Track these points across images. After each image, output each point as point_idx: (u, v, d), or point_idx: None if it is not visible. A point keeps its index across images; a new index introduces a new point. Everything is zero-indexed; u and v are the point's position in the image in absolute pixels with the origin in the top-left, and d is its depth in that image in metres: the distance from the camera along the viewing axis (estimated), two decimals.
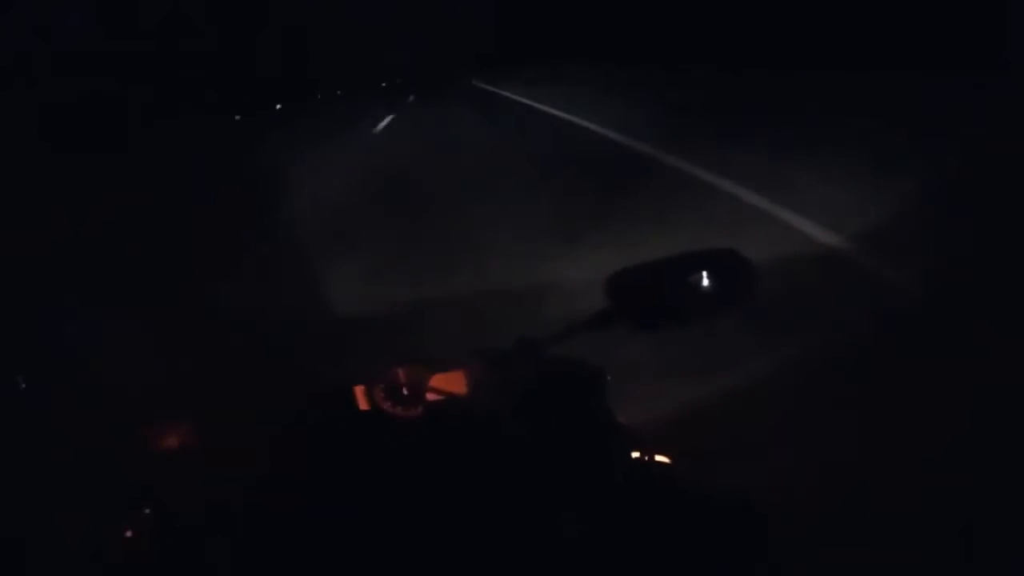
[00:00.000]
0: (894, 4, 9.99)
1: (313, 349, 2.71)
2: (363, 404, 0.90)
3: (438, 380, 0.89)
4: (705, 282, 0.92)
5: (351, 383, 0.92)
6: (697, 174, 5.71)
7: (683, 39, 16.70)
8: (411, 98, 24.94)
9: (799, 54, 11.45)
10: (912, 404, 2.01)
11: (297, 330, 3.05)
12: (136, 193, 9.87)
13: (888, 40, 9.82)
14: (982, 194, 3.93)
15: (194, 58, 22.87)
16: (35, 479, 0.80)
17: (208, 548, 0.77)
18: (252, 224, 6.16)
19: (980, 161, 4.54)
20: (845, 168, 5.04)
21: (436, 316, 3.12)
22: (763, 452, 1.80)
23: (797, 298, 2.83)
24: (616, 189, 5.58)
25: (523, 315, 2.93)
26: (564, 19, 28.12)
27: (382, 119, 16.52)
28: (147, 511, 0.79)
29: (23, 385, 0.91)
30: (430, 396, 0.89)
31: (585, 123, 10.30)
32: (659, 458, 0.84)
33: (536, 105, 14.92)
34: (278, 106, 22.63)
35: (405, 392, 0.89)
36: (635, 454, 0.84)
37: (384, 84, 42.31)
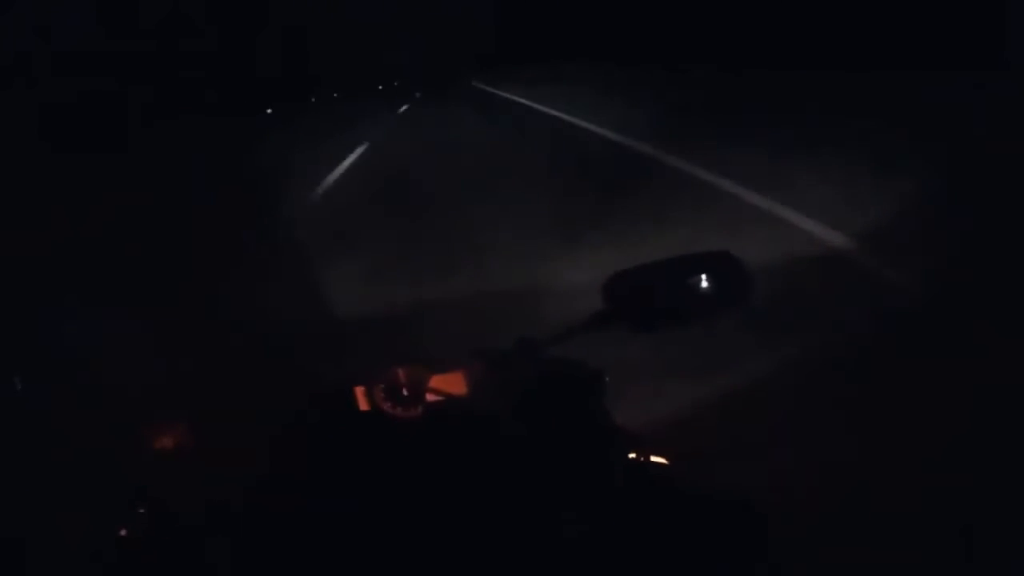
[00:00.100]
0: (894, 4, 10.00)
1: (313, 349, 2.71)
2: (363, 404, 0.90)
3: (438, 381, 0.89)
4: (702, 285, 0.93)
5: (351, 383, 0.92)
6: (697, 174, 5.71)
7: (683, 39, 16.71)
8: (409, 103, 24.92)
9: (799, 54, 11.45)
10: (912, 404, 2.01)
11: (297, 330, 3.05)
12: (136, 193, 9.87)
13: (888, 40, 9.82)
14: (982, 194, 3.93)
15: (194, 58, 22.87)
16: (35, 479, 0.80)
17: (208, 548, 0.77)
18: (252, 224, 6.15)
19: (980, 161, 4.54)
20: (845, 168, 5.04)
21: (436, 316, 3.12)
22: (763, 452, 1.80)
23: (797, 298, 2.83)
24: (616, 189, 5.58)
25: (522, 316, 2.92)
26: (564, 19, 28.13)
27: (382, 123, 16.50)
28: (146, 511, 0.79)
29: (19, 386, 0.91)
30: (430, 397, 0.89)
31: (585, 124, 10.30)
32: (658, 458, 0.84)
33: (536, 106, 14.92)
34: (268, 111, 22.53)
35: (405, 393, 0.89)
36: (634, 454, 0.85)
37: (380, 87, 41.94)
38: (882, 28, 10.22)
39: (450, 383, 0.89)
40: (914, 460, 1.75)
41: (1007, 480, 1.65)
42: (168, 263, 4.99)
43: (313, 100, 30.70)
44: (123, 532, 0.77)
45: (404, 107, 14.12)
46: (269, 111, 23.10)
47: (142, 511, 0.79)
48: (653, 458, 0.84)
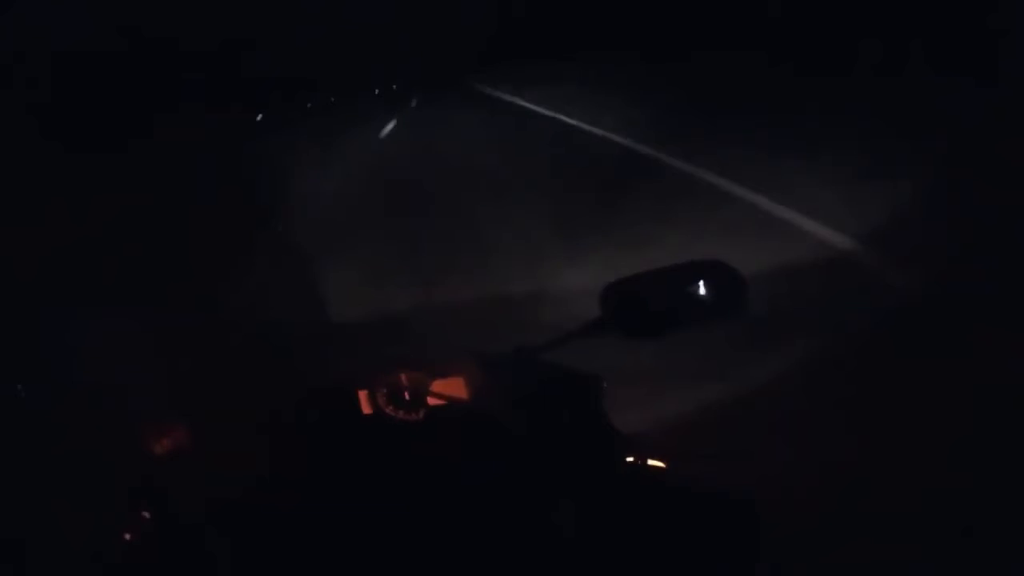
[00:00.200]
0: (895, 5, 10.00)
1: (312, 350, 2.70)
2: (366, 407, 0.90)
3: (439, 385, 0.90)
4: (700, 292, 0.95)
5: (352, 385, 0.92)
6: (699, 176, 5.71)
7: (684, 39, 16.69)
8: (411, 103, 24.88)
9: (800, 55, 11.44)
10: (912, 404, 2.01)
11: (297, 331, 3.05)
12: (136, 193, 9.86)
13: (889, 40, 9.82)
14: (982, 194, 3.93)
15: (194, 58, 22.86)
16: (35, 479, 0.80)
17: (208, 548, 0.77)
18: (253, 225, 6.15)
19: (980, 161, 4.54)
20: (845, 168, 5.04)
21: (436, 320, 3.12)
22: (763, 453, 1.80)
23: (797, 298, 2.83)
24: (618, 192, 5.58)
25: (523, 320, 2.92)
26: (565, 19, 28.12)
27: (382, 125, 16.47)
28: (147, 511, 0.79)
29: (20, 386, 0.91)
30: (431, 400, 0.89)
31: (586, 126, 10.30)
32: (658, 460, 0.85)
33: (536, 108, 14.91)
34: (259, 116, 22.29)
35: (407, 396, 0.89)
36: (634, 457, 0.85)
37: (377, 91, 41.56)
38: (883, 28, 10.21)
39: (451, 387, 0.90)
40: (914, 460, 1.75)
41: (1007, 480, 1.65)
42: (168, 263, 4.99)
43: (309, 105, 30.53)
44: (123, 532, 0.77)
45: (390, 126, 13.79)
46: (260, 117, 22.76)
47: (142, 511, 0.79)
48: (651, 462, 0.84)
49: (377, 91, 41.54)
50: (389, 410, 0.89)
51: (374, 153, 11.53)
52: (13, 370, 0.94)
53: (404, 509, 0.77)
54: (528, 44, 33.08)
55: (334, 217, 6.34)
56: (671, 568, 0.71)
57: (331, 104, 31.72)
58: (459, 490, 0.79)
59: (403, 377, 0.90)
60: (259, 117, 21.78)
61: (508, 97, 20.27)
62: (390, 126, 15.90)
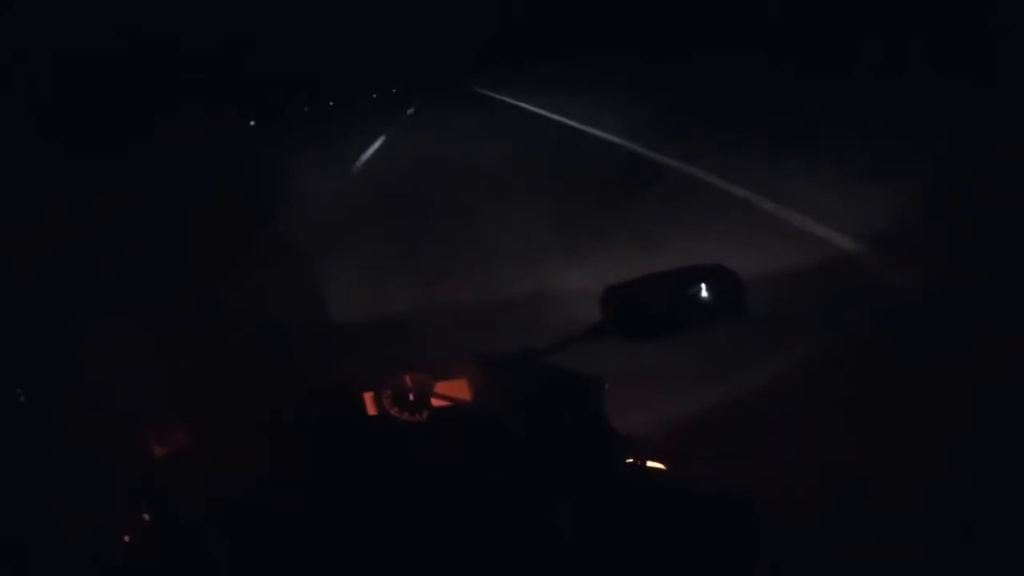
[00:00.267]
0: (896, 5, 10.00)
1: (313, 351, 2.71)
2: (368, 408, 0.91)
3: (442, 387, 0.90)
4: (702, 294, 0.96)
5: (352, 385, 0.92)
6: (699, 176, 5.71)
7: (684, 39, 16.70)
8: (412, 106, 24.81)
9: (800, 54, 11.44)
10: (912, 404, 2.01)
11: (297, 332, 3.05)
12: (136, 193, 9.86)
13: (889, 40, 9.81)
14: (982, 194, 3.93)
15: (194, 58, 22.85)
16: (35, 480, 0.80)
17: (208, 548, 0.77)
18: (253, 225, 6.15)
19: (980, 161, 4.54)
20: (845, 168, 5.04)
21: (437, 321, 3.12)
22: (763, 453, 1.80)
23: (796, 299, 2.83)
24: (618, 192, 5.57)
25: (525, 323, 2.92)
26: (565, 19, 28.12)
27: (382, 128, 16.44)
28: (147, 512, 0.79)
29: (20, 387, 0.91)
30: (435, 402, 0.90)
31: (586, 127, 10.30)
32: (659, 461, 0.85)
33: (535, 109, 14.91)
34: (252, 122, 22.00)
35: (411, 398, 0.89)
36: (634, 458, 0.85)
37: (375, 95, 41.21)
38: (883, 29, 10.22)
39: (454, 388, 0.90)
40: (914, 460, 1.75)
41: (1007, 480, 1.65)
42: (168, 263, 4.99)
43: (306, 109, 30.37)
44: (123, 533, 0.77)
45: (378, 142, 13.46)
46: (253, 123, 22.42)
47: (142, 511, 0.79)
48: (651, 463, 0.84)
49: (375, 95, 41.36)
50: (393, 411, 0.89)
51: (374, 155, 11.52)
52: (13, 370, 0.94)
53: (405, 509, 0.77)
54: (528, 44, 33.08)
55: (334, 218, 6.34)
56: (671, 568, 0.71)
57: (330, 107, 31.70)
58: (460, 490, 0.79)
59: (407, 378, 0.90)
60: (252, 123, 21.68)
61: (507, 98, 20.28)
62: (390, 130, 15.86)
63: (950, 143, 5.04)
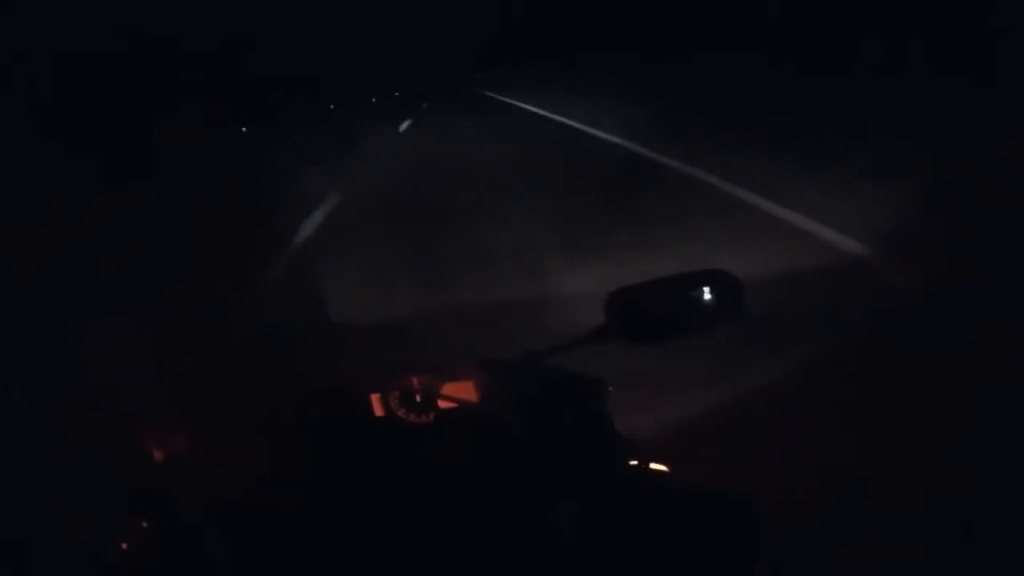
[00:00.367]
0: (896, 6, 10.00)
1: (314, 352, 2.71)
2: (375, 409, 0.91)
3: (449, 388, 0.91)
4: (704, 297, 0.98)
5: (352, 385, 0.92)
6: (699, 177, 5.71)
7: (684, 39, 16.69)
8: (413, 108, 24.74)
9: (800, 54, 11.44)
10: (912, 404, 2.01)
11: (298, 333, 3.05)
12: (136, 193, 9.86)
13: (889, 40, 9.82)
14: (982, 194, 3.93)
15: (194, 58, 22.85)
16: (36, 480, 0.80)
17: (208, 548, 0.77)
18: (253, 225, 6.15)
19: (980, 161, 4.54)
20: (845, 169, 5.04)
21: (438, 323, 3.11)
22: (763, 454, 1.80)
23: (797, 299, 2.83)
24: (618, 193, 5.57)
25: (525, 324, 2.92)
26: (565, 19, 28.12)
27: (382, 130, 16.42)
28: (147, 512, 0.79)
29: (20, 387, 0.91)
30: (441, 403, 0.90)
31: (586, 128, 10.30)
32: (660, 462, 0.85)
33: (535, 109, 14.92)
34: (252, 123, 21.65)
35: (417, 398, 0.90)
36: (636, 459, 0.85)
37: (373, 100, 40.73)
38: (884, 30, 10.22)
39: (460, 390, 0.91)
40: (914, 460, 1.75)
41: (1007, 480, 1.65)
42: (168, 263, 4.99)
43: (307, 110, 30.23)
44: (123, 533, 0.77)
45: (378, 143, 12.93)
46: (252, 123, 22.12)
47: (143, 512, 0.79)
48: (654, 465, 0.85)
49: (376, 98, 41.20)
50: (400, 412, 0.90)
51: (374, 155, 11.52)
52: (13, 370, 0.94)
53: (407, 509, 0.77)
54: (528, 44, 33.08)
55: (334, 218, 6.34)
56: (671, 568, 0.71)
57: (331, 109, 31.65)
58: (464, 491, 0.79)
59: (414, 380, 0.91)
60: (252, 123, 21.59)
61: (508, 98, 20.28)
62: (391, 131, 15.87)
63: (950, 143, 5.04)
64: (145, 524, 0.78)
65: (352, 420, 0.93)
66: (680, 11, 17.57)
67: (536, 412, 0.90)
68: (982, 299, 2.66)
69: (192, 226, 6.57)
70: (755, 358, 2.36)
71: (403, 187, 7.76)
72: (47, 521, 0.77)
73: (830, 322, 2.68)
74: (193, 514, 0.79)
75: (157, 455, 0.87)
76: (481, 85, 33.36)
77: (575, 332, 0.98)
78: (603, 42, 22.44)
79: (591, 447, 0.88)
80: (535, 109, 15.21)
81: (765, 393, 2.16)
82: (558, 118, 12.42)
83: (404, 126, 17.21)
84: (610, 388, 0.95)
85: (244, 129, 21.15)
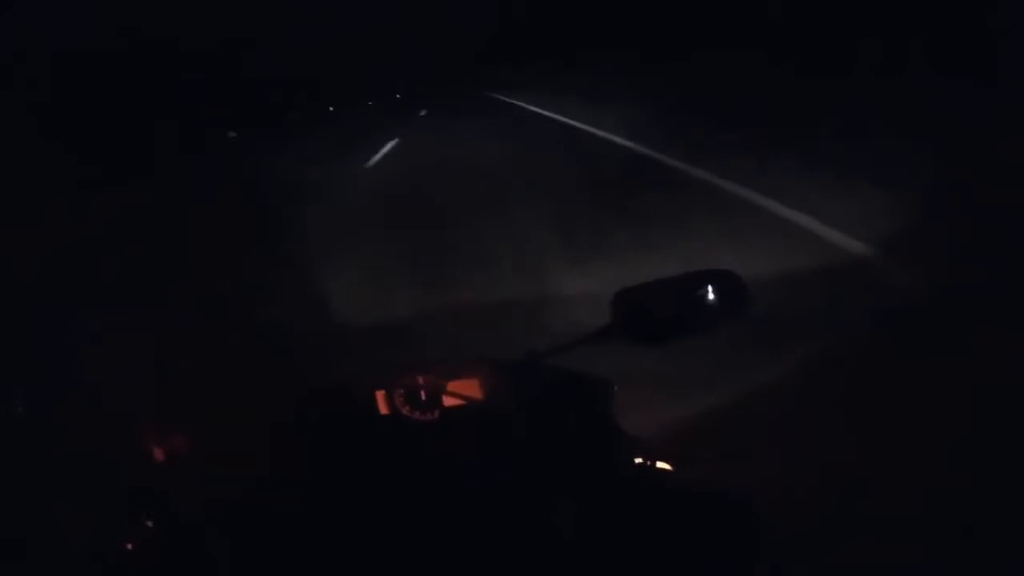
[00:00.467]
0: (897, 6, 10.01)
1: (315, 352, 2.71)
2: (367, 407, 0.91)
3: (454, 386, 0.91)
4: (708, 297, 0.98)
5: (353, 385, 0.92)
6: (699, 177, 5.71)
7: (684, 39, 16.70)
8: (414, 110, 24.67)
9: (800, 54, 11.44)
10: (912, 404, 2.01)
11: (299, 333, 3.05)
12: (136, 193, 9.87)
13: (889, 40, 9.82)
14: (982, 194, 3.93)
15: (194, 58, 22.86)
16: (35, 479, 0.80)
17: (208, 548, 0.77)
18: (253, 225, 6.16)
19: (980, 161, 4.54)
20: (845, 169, 5.04)
21: (438, 323, 3.11)
22: (764, 454, 1.80)
23: (797, 299, 2.83)
24: (618, 193, 5.57)
25: (525, 324, 2.92)
26: (565, 19, 28.12)
27: (382, 132, 16.39)
28: (147, 511, 0.79)
29: (20, 387, 0.91)
30: (446, 401, 0.90)
31: (586, 127, 10.30)
32: (662, 462, 0.85)
33: (535, 109, 14.92)
34: (232, 135, 21.39)
35: (423, 396, 0.90)
36: (639, 459, 0.85)
37: (375, 100, 40.46)
38: (885, 30, 10.22)
39: (465, 389, 0.91)
40: (914, 460, 1.75)
41: (1007, 480, 1.65)
42: (168, 263, 4.99)
43: (307, 111, 30.13)
44: (123, 532, 0.77)
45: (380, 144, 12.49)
46: (252, 124, 21.87)
47: (143, 511, 0.79)
48: (658, 464, 0.85)
49: (376, 99, 41.07)
50: (405, 409, 0.90)
51: (375, 156, 11.52)
52: (13, 370, 0.94)
53: (406, 508, 0.77)
54: (528, 44, 33.08)
55: (334, 218, 6.34)
56: (672, 568, 0.71)
57: (331, 109, 31.61)
58: (466, 490, 0.79)
59: (419, 378, 0.91)
60: (252, 123, 21.54)
61: (507, 98, 20.28)
62: (392, 132, 15.85)
63: (950, 143, 5.04)
64: (145, 524, 0.78)
65: (353, 419, 0.93)
66: (680, 11, 17.57)
67: (541, 411, 0.90)
68: (982, 299, 2.66)
69: (192, 226, 6.58)
70: (755, 358, 2.36)
71: (403, 186, 7.76)
72: (47, 521, 0.77)
73: (830, 322, 2.68)
74: (193, 514, 0.79)
75: (157, 455, 0.87)
76: (481, 85, 33.34)
77: (575, 332, 0.98)
78: (603, 42, 22.44)
79: (595, 447, 0.88)
80: (535, 109, 15.22)
81: (765, 393, 2.16)
82: (558, 118, 12.43)
83: (403, 130, 17.19)
84: (615, 387, 0.95)
85: (252, 123, 21.10)
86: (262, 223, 6.18)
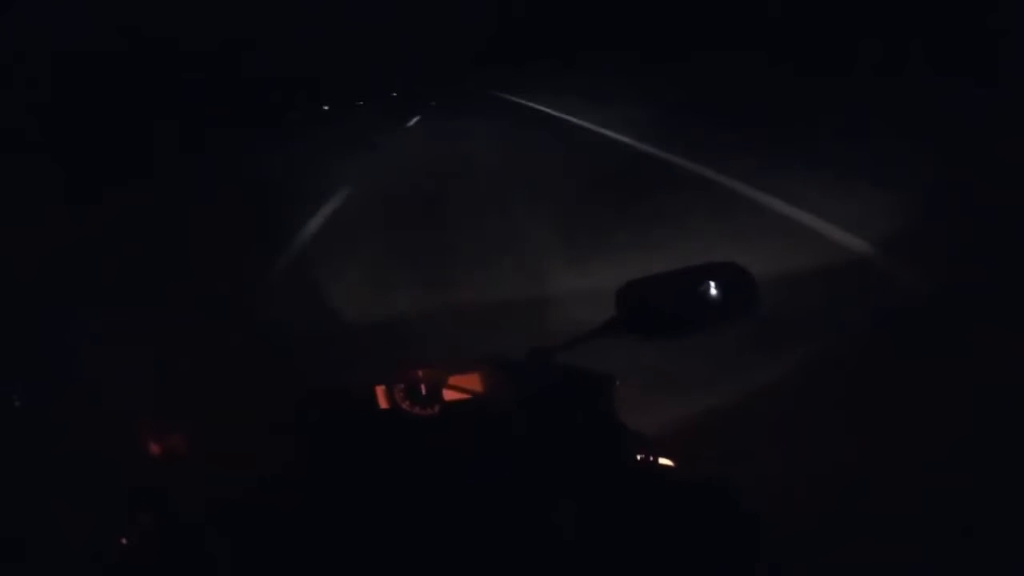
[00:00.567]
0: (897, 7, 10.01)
1: (316, 352, 2.71)
2: (367, 405, 0.91)
3: (455, 382, 0.90)
4: (711, 292, 0.95)
5: (353, 384, 0.92)
6: (699, 176, 5.71)
7: (684, 39, 16.70)
8: (414, 110, 24.66)
9: (800, 54, 11.45)
10: (912, 404, 2.01)
11: (300, 332, 3.05)
12: (136, 193, 9.87)
13: (889, 40, 9.83)
14: (982, 194, 3.93)
15: (194, 58, 22.87)
16: (36, 480, 0.80)
17: (208, 548, 0.77)
18: (253, 225, 6.15)
19: (980, 161, 4.54)
20: (845, 169, 5.04)
21: (438, 323, 3.11)
22: (765, 453, 1.80)
23: (797, 299, 2.82)
24: (618, 192, 5.57)
25: (525, 324, 2.92)
26: (565, 19, 28.13)
27: (382, 132, 16.38)
28: (147, 511, 0.79)
29: (20, 387, 0.91)
30: (447, 397, 0.90)
31: (587, 126, 10.29)
32: (663, 461, 0.85)
33: (535, 108, 14.91)
34: (251, 123, 21.38)
35: (423, 391, 0.90)
36: (640, 457, 0.85)
37: (362, 103, 40.15)
38: (885, 31, 10.23)
39: (467, 383, 0.90)
40: (914, 460, 1.75)
41: (1007, 480, 1.65)
42: (168, 263, 4.99)
43: (307, 111, 30.06)
44: (123, 532, 0.77)
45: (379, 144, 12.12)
46: (252, 124, 21.84)
47: (143, 511, 0.79)
48: (658, 460, 0.84)
49: (376, 100, 40.95)
50: (405, 405, 0.89)
51: (374, 155, 11.52)
52: (13, 369, 0.94)
53: (407, 508, 0.77)
54: (528, 44, 33.09)
55: (334, 218, 6.34)
56: (671, 568, 0.71)
57: (330, 110, 31.59)
58: (466, 489, 0.79)
59: (421, 373, 0.90)
60: (252, 123, 21.55)
61: (507, 97, 20.27)
62: (392, 132, 15.85)
63: (950, 143, 5.05)
64: (145, 523, 0.78)
65: (353, 418, 0.93)
66: (680, 11, 17.57)
67: (544, 408, 0.90)
68: (982, 299, 2.66)
69: (192, 226, 6.58)
70: (755, 358, 2.36)
71: (403, 186, 7.76)
72: (47, 520, 0.77)
73: (830, 322, 2.68)
74: (193, 514, 0.79)
75: (157, 454, 0.87)
76: (481, 85, 33.34)
77: (577, 331, 0.97)
78: (603, 42, 22.45)
79: (597, 444, 0.88)
80: (536, 107, 15.21)
81: (765, 393, 2.16)
82: (559, 115, 12.42)
83: (402, 129, 17.18)
84: (618, 383, 0.94)
85: (252, 123, 21.07)
86: (262, 223, 6.18)
